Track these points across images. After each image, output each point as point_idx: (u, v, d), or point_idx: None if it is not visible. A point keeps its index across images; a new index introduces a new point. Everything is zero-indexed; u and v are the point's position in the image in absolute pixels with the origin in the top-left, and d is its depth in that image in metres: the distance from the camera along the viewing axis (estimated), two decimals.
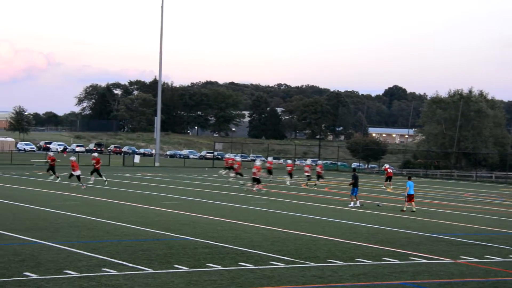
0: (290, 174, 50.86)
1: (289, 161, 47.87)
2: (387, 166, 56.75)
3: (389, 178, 51.30)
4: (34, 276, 13.42)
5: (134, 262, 15.27)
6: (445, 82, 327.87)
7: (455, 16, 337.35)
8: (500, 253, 18.99)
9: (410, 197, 31.19)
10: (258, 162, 43.74)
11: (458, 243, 20.80)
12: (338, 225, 24.37)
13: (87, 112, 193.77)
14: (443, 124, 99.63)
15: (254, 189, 40.18)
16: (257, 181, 40.42)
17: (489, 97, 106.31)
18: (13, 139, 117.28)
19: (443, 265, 16.62)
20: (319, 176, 48.82)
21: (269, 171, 51.03)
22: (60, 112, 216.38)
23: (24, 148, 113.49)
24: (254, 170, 40.90)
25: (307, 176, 50.39)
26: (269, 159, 55.35)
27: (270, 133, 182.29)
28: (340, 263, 16.31)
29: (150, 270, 14.44)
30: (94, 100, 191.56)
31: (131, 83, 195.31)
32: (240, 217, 25.58)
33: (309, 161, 48.77)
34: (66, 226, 21.06)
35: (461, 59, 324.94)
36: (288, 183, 49.21)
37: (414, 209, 30.99)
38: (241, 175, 48.66)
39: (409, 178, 32.79)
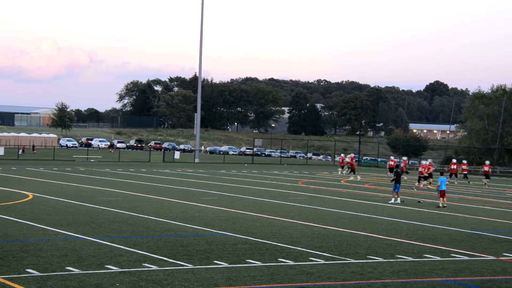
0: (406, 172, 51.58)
1: (424, 162, 47.33)
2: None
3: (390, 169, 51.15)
4: (76, 270, 13.61)
5: (174, 257, 15.38)
6: (488, 77, 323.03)
7: (497, 9, 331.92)
8: None
9: (442, 193, 30.92)
10: (424, 162, 46.70)
11: (500, 240, 20.51)
12: (378, 222, 24.22)
13: (128, 108, 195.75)
14: (485, 119, 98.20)
15: (421, 186, 43.36)
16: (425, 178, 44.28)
17: None
18: (55, 135, 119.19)
19: (486, 262, 16.40)
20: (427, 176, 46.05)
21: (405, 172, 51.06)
22: (101, 109, 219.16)
23: (67, 144, 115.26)
24: (420, 169, 44.87)
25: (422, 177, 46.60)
26: (404, 158, 54.61)
27: (310, 129, 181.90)
28: (380, 259, 16.21)
29: (190, 266, 14.52)
30: (134, 97, 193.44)
31: (171, 79, 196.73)
32: (279, 213, 25.58)
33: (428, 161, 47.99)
34: (107, 222, 21.31)
35: (504, 53, 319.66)
36: (405, 178, 48.79)
37: (445, 205, 30.66)
38: (354, 172, 52.05)
39: (441, 174, 32.54)
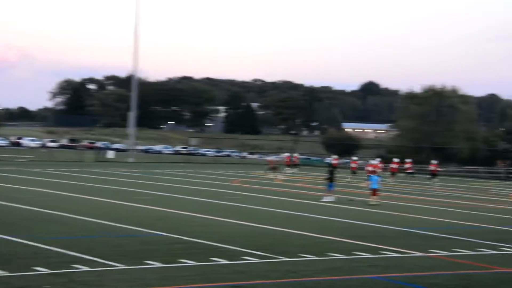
0: (354, 171, 54.46)
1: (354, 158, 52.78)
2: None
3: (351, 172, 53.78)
4: (2, 273, 13.30)
5: (106, 258, 15.21)
6: (419, 78, 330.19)
7: (428, 12, 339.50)
8: (468, 246, 19.23)
9: (373, 191, 31.52)
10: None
11: (428, 237, 21.02)
12: (311, 220, 24.49)
13: (61, 107, 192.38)
14: (416, 119, 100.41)
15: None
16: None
17: (461, 92, 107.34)
18: None
19: (414, 259, 16.80)
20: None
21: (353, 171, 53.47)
22: (33, 108, 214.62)
23: None
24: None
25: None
26: (354, 158, 58.00)
27: (246, 129, 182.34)
28: (313, 257, 16.40)
29: (122, 266, 14.39)
30: (68, 95, 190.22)
31: (105, 78, 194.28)
32: (213, 212, 25.58)
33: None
34: (37, 222, 20.91)
35: (434, 55, 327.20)
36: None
37: (376, 203, 31.27)
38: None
39: (374, 172, 33.19)
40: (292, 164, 62.94)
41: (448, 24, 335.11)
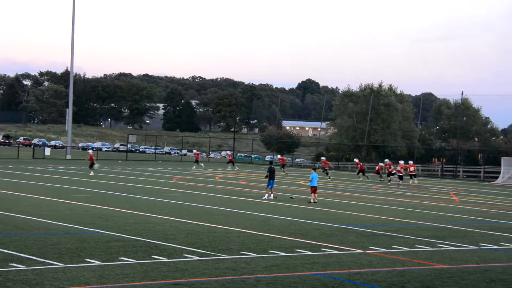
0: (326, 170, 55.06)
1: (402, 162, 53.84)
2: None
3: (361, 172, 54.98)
4: None
5: (44, 256, 14.92)
6: (357, 77, 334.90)
7: (365, 11, 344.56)
8: (406, 243, 19.58)
9: (313, 189, 31.76)
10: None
11: (367, 234, 21.31)
12: (252, 218, 24.54)
13: None
14: (354, 117, 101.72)
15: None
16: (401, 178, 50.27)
17: (398, 91, 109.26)
18: None
19: (353, 256, 17.00)
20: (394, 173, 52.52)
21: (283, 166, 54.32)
22: None
23: None
24: (398, 168, 50.71)
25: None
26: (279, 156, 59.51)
27: (185, 126, 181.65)
28: (253, 255, 16.44)
29: (61, 265, 14.14)
30: (1, 91, 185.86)
31: (41, 73, 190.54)
32: (153, 210, 25.39)
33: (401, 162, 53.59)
34: None
35: (371, 54, 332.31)
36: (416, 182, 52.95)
37: (316, 200, 31.56)
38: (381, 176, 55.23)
39: (314, 170, 33.43)
40: (231, 162, 64.63)
41: (385, 24, 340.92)
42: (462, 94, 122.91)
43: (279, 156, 63.37)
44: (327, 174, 53.96)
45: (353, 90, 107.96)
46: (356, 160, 62.47)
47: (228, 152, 70.99)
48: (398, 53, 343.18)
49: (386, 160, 56.66)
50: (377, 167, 57.52)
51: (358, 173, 57.14)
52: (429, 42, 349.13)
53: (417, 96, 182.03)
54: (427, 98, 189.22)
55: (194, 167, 63.76)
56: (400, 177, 51.49)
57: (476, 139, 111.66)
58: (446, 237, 21.47)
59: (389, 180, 53.05)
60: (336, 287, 13.34)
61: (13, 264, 13.91)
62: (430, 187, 51.50)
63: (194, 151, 78.01)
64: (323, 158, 59.13)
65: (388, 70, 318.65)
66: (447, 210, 31.91)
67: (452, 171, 79.64)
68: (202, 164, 66.70)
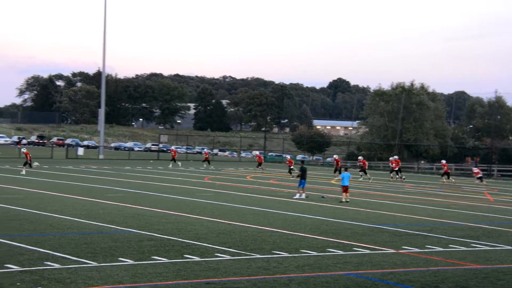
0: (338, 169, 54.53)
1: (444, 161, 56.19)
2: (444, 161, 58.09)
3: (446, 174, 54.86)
4: None
5: (78, 255, 15.07)
6: (388, 75, 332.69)
7: (397, 10, 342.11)
8: (440, 243, 19.40)
9: (344, 188, 31.62)
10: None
11: (400, 234, 21.16)
12: (283, 217, 24.51)
13: (29, 104, 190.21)
14: (385, 116, 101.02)
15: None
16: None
17: (430, 90, 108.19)
18: None
19: (386, 256, 16.88)
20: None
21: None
22: (0, 104, 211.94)
23: None
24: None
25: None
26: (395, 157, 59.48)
27: (216, 125, 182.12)
28: (285, 254, 16.41)
29: (94, 264, 14.27)
30: (36, 92, 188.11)
31: (74, 74, 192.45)
32: (185, 209, 25.50)
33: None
34: (7, 220, 20.65)
35: (403, 52, 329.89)
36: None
37: (348, 200, 31.42)
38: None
39: (346, 170, 33.28)
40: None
41: (417, 22, 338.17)
42: (496, 92, 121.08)
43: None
44: (365, 173, 53.63)
45: (385, 89, 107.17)
46: (391, 158, 61.20)
47: (205, 150, 71.25)
48: (430, 51, 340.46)
49: (392, 158, 57.96)
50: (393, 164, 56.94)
51: (391, 172, 56.85)
52: (462, 40, 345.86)
53: (449, 95, 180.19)
54: (460, 97, 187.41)
55: (170, 166, 62.15)
56: (394, 171, 55.29)
57: (510, 137, 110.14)
58: (481, 237, 21.23)
59: (391, 177, 55.12)
60: (369, 287, 13.27)
61: (48, 263, 14.07)
62: (463, 186, 50.99)
63: (173, 147, 78.70)
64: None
65: (420, 68, 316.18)
66: (481, 209, 31.56)
67: (486, 170, 78.68)
68: (179, 163, 65.00)
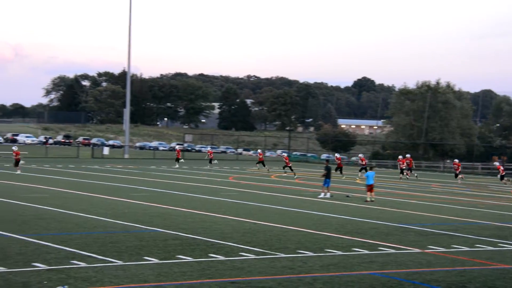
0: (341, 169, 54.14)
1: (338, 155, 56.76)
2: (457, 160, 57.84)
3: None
4: (1, 269, 13.27)
5: (104, 254, 15.18)
6: (413, 74, 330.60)
7: (422, 8, 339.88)
8: (466, 242, 19.24)
9: (369, 187, 31.45)
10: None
11: (426, 233, 21.02)
12: (308, 216, 24.47)
13: (55, 103, 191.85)
14: (411, 115, 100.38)
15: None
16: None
17: (456, 88, 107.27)
18: None
19: (411, 255, 16.79)
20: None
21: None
22: (27, 104, 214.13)
23: None
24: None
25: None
26: (337, 155, 59.10)
27: (240, 125, 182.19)
28: (310, 253, 16.38)
29: (120, 262, 14.36)
30: (62, 92, 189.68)
31: (99, 74, 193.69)
32: (210, 208, 25.56)
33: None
34: (34, 219, 20.86)
35: (428, 50, 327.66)
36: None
37: (373, 199, 31.24)
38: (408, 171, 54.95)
39: (371, 169, 33.12)
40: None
41: (442, 20, 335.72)
42: None
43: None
44: (411, 171, 54.81)
45: (410, 88, 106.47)
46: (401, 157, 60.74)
47: (208, 149, 71.68)
48: (456, 49, 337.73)
49: (400, 157, 58.11)
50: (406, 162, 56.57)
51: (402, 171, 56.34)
52: (489, 37, 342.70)
53: (476, 93, 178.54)
54: (487, 95, 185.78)
55: (177, 166, 60.28)
56: (401, 171, 54.38)
57: None
58: (508, 236, 21.02)
59: (400, 178, 54.16)
60: (394, 286, 13.20)
61: (75, 262, 14.18)
62: (490, 186, 50.50)
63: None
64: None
65: (446, 67, 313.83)
66: (508, 209, 31.24)
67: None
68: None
